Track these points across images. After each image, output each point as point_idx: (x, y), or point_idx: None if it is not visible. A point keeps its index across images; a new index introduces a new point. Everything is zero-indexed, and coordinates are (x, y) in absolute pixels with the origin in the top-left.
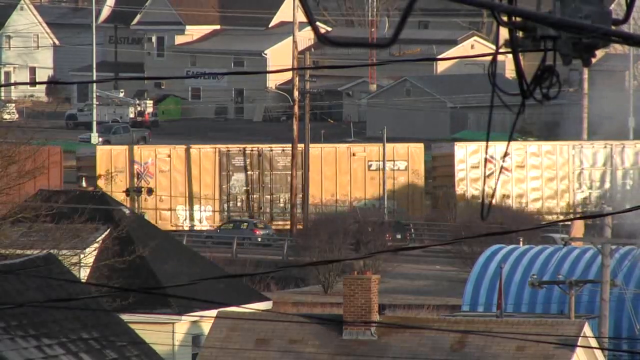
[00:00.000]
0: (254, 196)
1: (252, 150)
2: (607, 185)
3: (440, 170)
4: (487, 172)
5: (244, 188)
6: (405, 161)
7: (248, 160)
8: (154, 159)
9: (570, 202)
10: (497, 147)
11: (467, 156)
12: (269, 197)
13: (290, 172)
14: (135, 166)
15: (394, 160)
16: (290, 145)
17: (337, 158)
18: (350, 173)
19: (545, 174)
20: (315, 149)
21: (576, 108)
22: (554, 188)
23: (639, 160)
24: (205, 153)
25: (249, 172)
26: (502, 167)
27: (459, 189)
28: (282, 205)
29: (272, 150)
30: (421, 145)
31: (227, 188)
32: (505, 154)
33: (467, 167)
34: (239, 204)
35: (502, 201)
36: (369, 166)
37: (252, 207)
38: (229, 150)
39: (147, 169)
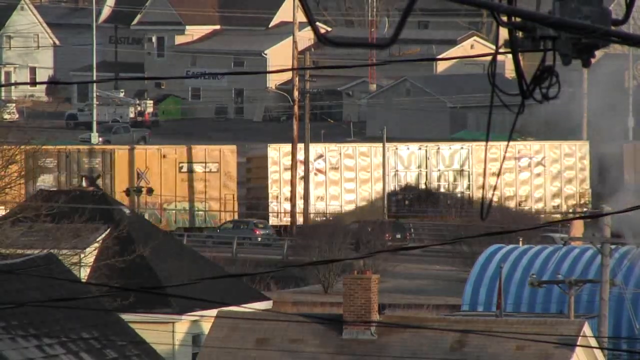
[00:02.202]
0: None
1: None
2: (422, 187)
3: (254, 172)
4: (300, 175)
5: None
6: (217, 163)
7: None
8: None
9: (386, 204)
10: (316, 149)
11: (280, 158)
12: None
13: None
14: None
15: (205, 162)
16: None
17: (146, 159)
18: (160, 174)
19: (361, 175)
20: (122, 150)
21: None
22: (368, 190)
23: (454, 162)
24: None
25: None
26: (316, 170)
27: (272, 191)
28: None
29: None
30: (234, 147)
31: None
32: (504, 156)
33: (280, 169)
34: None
35: (315, 203)
36: (180, 168)
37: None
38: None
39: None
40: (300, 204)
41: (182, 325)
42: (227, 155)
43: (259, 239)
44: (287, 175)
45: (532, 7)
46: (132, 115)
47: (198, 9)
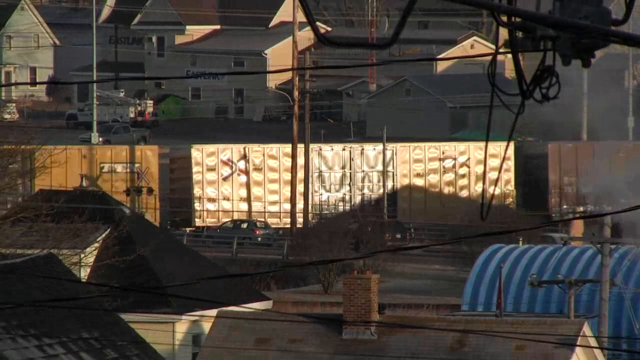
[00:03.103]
0: None
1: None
2: (346, 187)
3: (177, 172)
4: (225, 175)
5: None
6: (139, 163)
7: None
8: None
9: (311, 204)
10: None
11: (203, 158)
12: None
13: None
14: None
15: (127, 163)
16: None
17: (66, 160)
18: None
19: (284, 176)
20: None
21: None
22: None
23: (377, 163)
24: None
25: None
26: (239, 170)
27: (196, 192)
28: None
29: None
30: (155, 147)
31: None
32: (505, 156)
33: (203, 170)
34: None
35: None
36: (101, 168)
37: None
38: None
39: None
40: (225, 204)
41: (182, 325)
42: (148, 155)
43: (259, 239)
44: (211, 176)
45: (532, 7)
46: (132, 115)
47: (198, 9)
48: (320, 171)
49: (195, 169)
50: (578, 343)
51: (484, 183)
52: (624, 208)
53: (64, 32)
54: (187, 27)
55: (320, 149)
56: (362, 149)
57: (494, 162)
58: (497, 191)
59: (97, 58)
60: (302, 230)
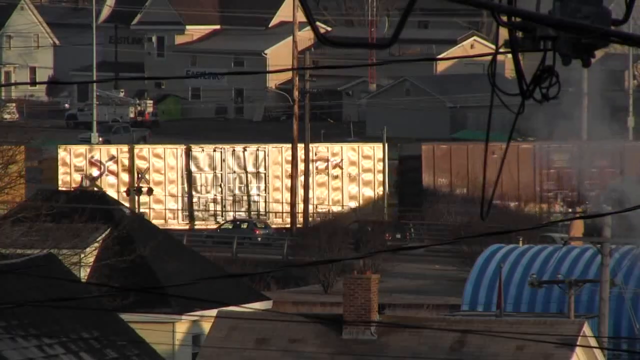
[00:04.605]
0: None
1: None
2: (217, 189)
3: (47, 173)
4: (94, 176)
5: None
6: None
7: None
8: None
9: (185, 206)
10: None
11: (71, 159)
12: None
13: None
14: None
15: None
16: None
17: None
18: None
19: (155, 177)
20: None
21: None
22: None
23: (249, 164)
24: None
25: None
26: (107, 171)
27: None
28: None
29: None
30: (22, 148)
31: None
32: (504, 156)
33: (71, 170)
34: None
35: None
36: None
37: None
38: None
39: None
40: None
41: (182, 325)
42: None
43: (259, 239)
44: (79, 177)
45: (532, 7)
46: (132, 115)
47: (198, 9)
48: (190, 172)
49: (61, 169)
50: (578, 343)
51: (483, 183)
52: (624, 208)
53: (64, 32)
54: (187, 27)
55: (190, 150)
56: (234, 150)
57: (367, 164)
58: (371, 193)
59: (97, 58)
60: (302, 230)
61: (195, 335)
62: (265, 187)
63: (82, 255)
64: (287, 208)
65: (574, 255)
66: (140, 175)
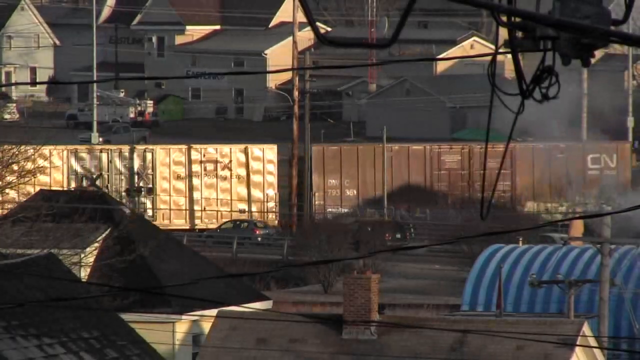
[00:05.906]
0: None
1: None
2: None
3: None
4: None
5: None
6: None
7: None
8: None
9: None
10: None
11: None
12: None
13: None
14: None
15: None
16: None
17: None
18: None
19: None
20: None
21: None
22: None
23: (134, 164)
24: None
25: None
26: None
27: None
28: None
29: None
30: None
31: None
32: (505, 155)
33: (70, 170)
34: None
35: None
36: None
37: None
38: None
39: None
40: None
41: (182, 325)
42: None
43: (259, 238)
44: None
45: (532, 7)
46: (132, 115)
47: (198, 9)
48: (77, 173)
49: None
50: (578, 343)
51: (483, 183)
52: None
53: (64, 32)
54: (187, 27)
55: (77, 150)
56: (120, 151)
57: (257, 165)
58: (260, 195)
59: (97, 58)
60: (302, 230)
61: (195, 335)
62: (153, 188)
63: (82, 255)
64: (173, 207)
65: (573, 255)
66: (140, 175)
